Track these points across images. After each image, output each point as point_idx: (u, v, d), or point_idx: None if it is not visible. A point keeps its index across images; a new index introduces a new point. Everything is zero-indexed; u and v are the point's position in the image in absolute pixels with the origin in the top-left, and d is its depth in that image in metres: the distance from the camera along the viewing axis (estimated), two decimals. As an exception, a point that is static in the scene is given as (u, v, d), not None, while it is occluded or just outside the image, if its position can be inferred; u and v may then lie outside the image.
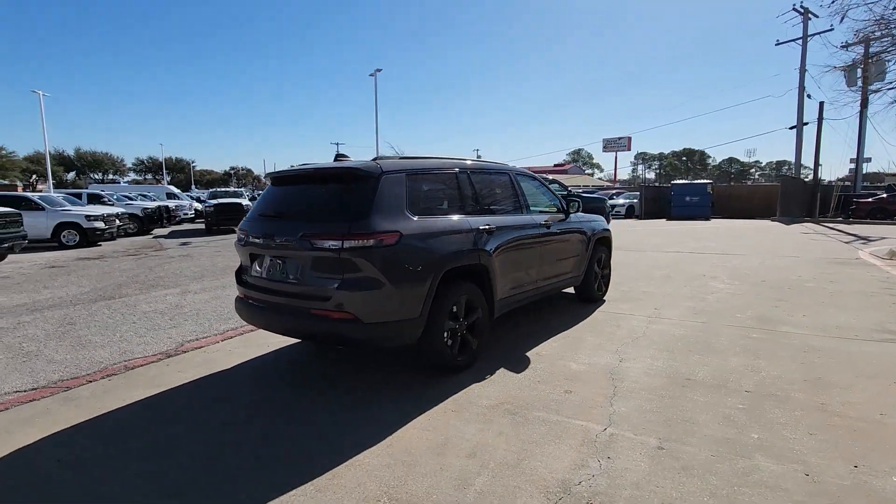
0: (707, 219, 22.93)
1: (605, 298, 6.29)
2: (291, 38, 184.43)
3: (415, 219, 3.53)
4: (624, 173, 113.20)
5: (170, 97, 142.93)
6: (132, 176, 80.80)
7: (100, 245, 14.89)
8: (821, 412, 3.08)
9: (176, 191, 30.68)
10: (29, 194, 16.57)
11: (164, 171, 75.28)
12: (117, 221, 16.37)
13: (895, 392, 3.35)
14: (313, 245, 3.28)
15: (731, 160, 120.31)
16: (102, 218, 15.23)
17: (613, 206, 25.78)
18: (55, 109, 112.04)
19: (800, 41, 26.24)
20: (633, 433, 2.86)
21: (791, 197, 22.74)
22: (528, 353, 4.27)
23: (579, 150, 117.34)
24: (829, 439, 2.75)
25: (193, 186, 69.26)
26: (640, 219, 24.84)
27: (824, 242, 12.58)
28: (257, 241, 3.68)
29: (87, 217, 14.79)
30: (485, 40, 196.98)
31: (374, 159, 3.70)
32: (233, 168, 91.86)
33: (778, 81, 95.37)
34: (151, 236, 18.07)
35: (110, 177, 76.42)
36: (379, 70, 27.89)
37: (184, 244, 14.77)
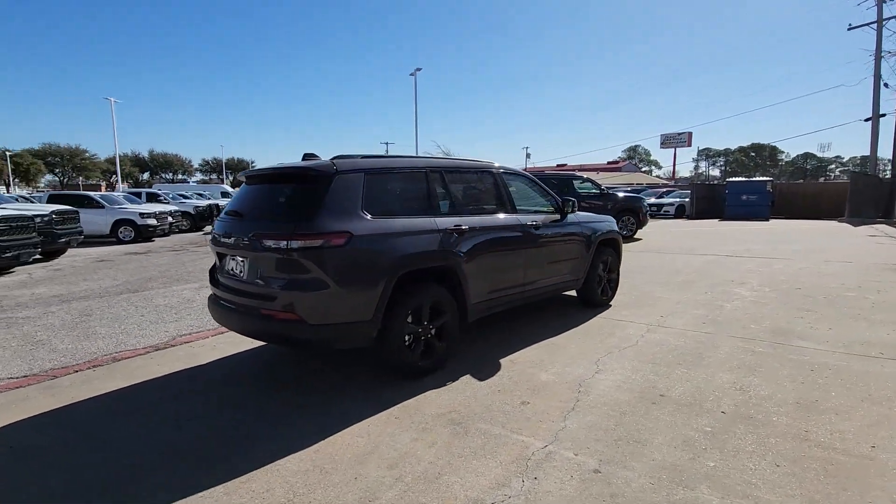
0: (765, 219, 21.36)
1: (611, 304, 5.96)
2: (344, 38, 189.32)
3: (370, 219, 3.45)
4: (685, 170, 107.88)
5: (230, 100, 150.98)
6: (199, 176, 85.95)
7: (153, 241, 15.89)
8: (799, 441, 2.73)
9: (231, 189, 32.31)
10: (91, 193, 17.94)
11: (225, 170, 79.68)
12: (169, 218, 17.43)
13: (900, 422, 2.92)
14: (262, 245, 3.29)
15: (806, 155, 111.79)
16: (155, 215, 16.27)
17: (660, 206, 24.60)
18: (130, 114, 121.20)
19: (874, 25, 23.83)
20: (573, 452, 2.66)
21: (862, 195, 20.72)
22: (502, 360, 4.10)
23: (635, 146, 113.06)
24: (796, 473, 2.43)
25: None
26: (691, 219, 23.51)
27: (891, 247, 11.35)
28: (222, 239, 3.74)
29: (141, 214, 15.85)
30: (537, 37, 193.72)
31: (334, 158, 3.65)
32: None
33: (851, 69, 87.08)
34: (202, 233, 19.09)
35: (179, 176, 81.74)
36: (419, 69, 28.13)
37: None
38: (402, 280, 3.56)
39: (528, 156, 74.80)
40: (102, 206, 15.73)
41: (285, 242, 3.17)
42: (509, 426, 2.97)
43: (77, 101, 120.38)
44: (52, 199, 15.96)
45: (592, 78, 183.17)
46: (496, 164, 4.74)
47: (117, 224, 15.58)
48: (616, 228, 6.11)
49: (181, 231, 18.97)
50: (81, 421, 3.18)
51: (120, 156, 71.47)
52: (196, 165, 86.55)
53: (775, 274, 7.73)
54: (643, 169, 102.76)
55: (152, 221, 16.02)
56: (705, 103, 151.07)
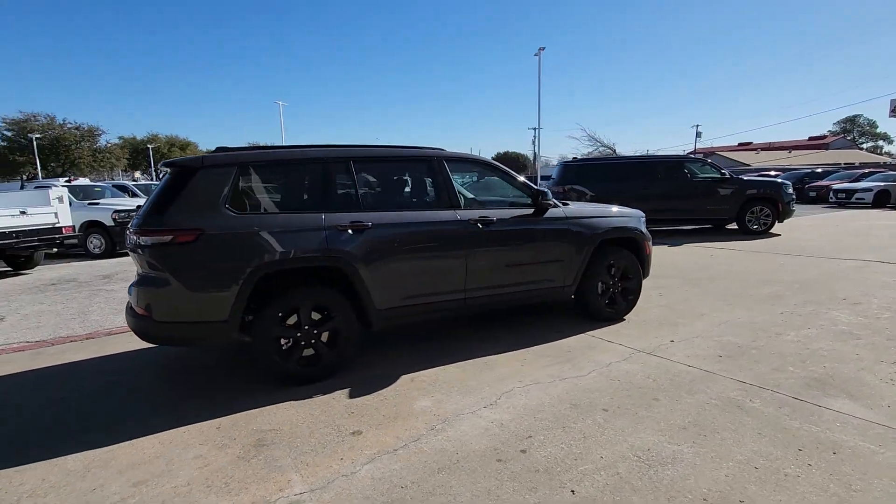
0: None
1: (624, 318, 4.82)
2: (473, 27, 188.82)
3: (233, 215, 3.28)
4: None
5: (378, 93, 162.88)
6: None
7: None
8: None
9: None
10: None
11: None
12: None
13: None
14: (130, 239, 3.35)
15: None
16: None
17: (850, 192, 19.47)
18: (297, 114, 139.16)
19: None
20: (321, 508, 2.16)
21: None
22: (404, 376, 3.59)
23: (854, 117, 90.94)
24: None
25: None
26: (895, 209, 18.06)
27: None
28: None
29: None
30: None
31: (216, 150, 3.54)
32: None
33: None
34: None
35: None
36: (542, 49, 26.33)
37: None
38: (269, 279, 3.33)
39: (698, 134, 65.80)
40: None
41: (136, 238, 3.18)
42: (303, 458, 2.55)
43: (254, 102, 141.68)
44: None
45: (787, 30, 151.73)
46: (436, 152, 4.12)
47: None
48: (636, 226, 4.88)
49: None
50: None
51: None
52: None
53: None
54: (864, 145, 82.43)
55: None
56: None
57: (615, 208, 5.03)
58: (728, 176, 11.11)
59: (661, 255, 8.43)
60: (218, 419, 3.01)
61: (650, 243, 5.01)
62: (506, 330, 4.58)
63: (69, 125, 38.15)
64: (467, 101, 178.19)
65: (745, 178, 11.66)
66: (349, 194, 3.69)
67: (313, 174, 3.66)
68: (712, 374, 3.45)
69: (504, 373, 3.59)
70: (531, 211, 4.32)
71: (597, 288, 4.68)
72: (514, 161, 65.13)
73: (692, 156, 14.61)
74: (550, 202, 4.33)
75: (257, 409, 3.12)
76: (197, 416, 3.05)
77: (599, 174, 11.45)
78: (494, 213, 4.18)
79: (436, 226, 3.87)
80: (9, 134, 36.95)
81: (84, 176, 32.55)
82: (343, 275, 3.53)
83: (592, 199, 10.89)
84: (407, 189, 4.08)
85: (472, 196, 4.51)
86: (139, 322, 3.26)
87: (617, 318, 4.81)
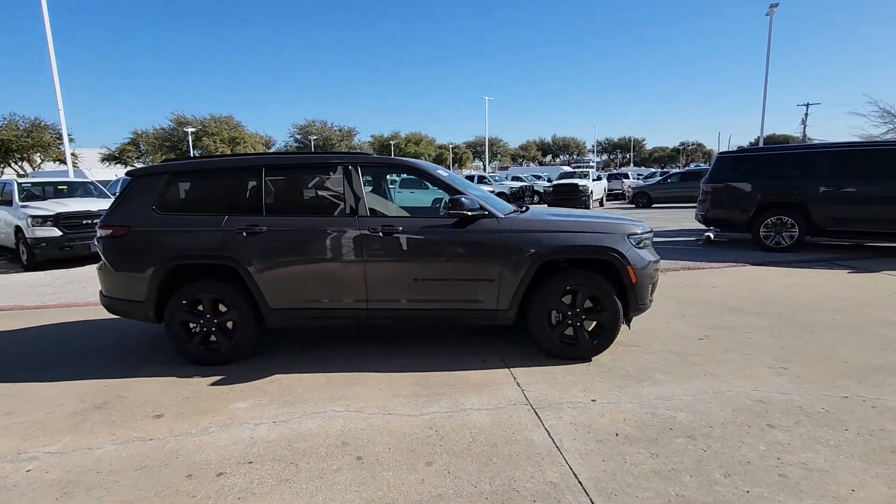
0: None
1: (591, 358, 3.86)
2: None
3: (157, 216, 3.93)
4: None
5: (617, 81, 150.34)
6: (590, 157, 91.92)
7: None
8: None
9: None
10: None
11: (616, 150, 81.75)
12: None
13: None
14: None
15: None
16: (460, 195, 19.51)
17: None
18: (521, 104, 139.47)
19: None
20: None
21: None
22: (275, 375, 3.72)
23: None
24: None
25: (631, 164, 72.33)
26: None
27: None
28: None
29: (449, 194, 19.36)
30: None
31: (164, 161, 4.23)
32: (682, 144, 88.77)
33: None
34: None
35: (575, 157, 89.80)
36: (774, 5, 20.11)
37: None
38: (176, 271, 3.89)
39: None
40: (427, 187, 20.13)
41: (97, 230, 4.13)
42: (95, 427, 3.00)
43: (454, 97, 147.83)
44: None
45: None
46: (350, 158, 4.00)
47: (434, 202, 19.65)
48: (610, 245, 3.77)
49: None
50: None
51: (525, 142, 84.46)
52: (589, 147, 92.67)
53: None
54: None
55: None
56: None
57: (593, 219, 4.00)
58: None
59: (809, 282, 6.14)
60: (108, 380, 3.73)
61: (641, 268, 3.82)
62: (418, 346, 4.22)
63: (335, 128, 48.00)
64: (714, 77, 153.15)
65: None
66: (255, 200, 3.96)
67: (228, 181, 4.06)
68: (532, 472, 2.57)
69: (354, 392, 3.39)
70: (451, 220, 3.83)
71: (547, 318, 3.85)
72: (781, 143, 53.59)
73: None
74: (468, 211, 3.74)
75: (140, 379, 3.73)
76: (95, 375, 3.81)
77: (769, 168, 8.76)
78: (405, 222, 3.88)
79: (332, 233, 3.83)
80: (299, 137, 48.65)
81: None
82: (236, 273, 3.85)
83: (761, 202, 8.49)
84: (312, 195, 4.12)
85: (390, 202, 4.24)
86: (99, 296, 4.25)
87: (578, 356, 3.88)
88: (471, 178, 25.22)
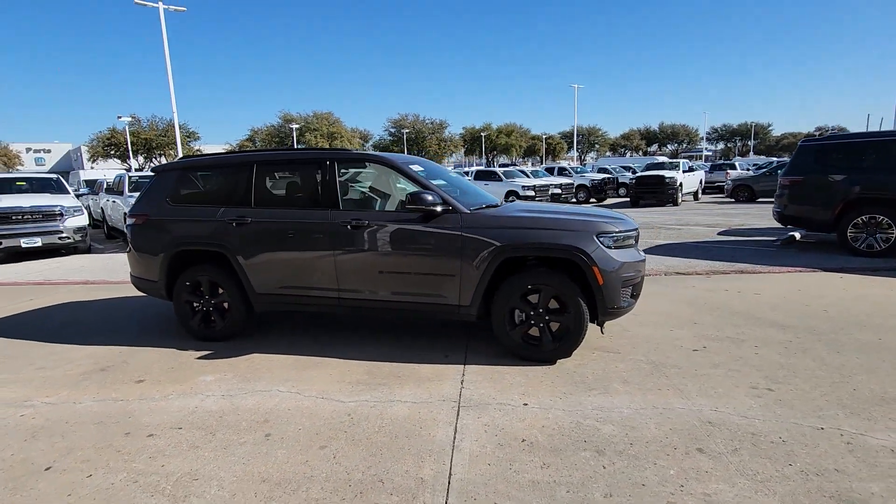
0: None
1: (555, 361, 3.72)
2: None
3: (169, 206, 4.48)
4: None
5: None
6: (703, 145, 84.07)
7: None
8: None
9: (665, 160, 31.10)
10: (495, 168, 22.69)
11: (734, 139, 73.92)
12: (552, 190, 19.86)
13: None
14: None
15: None
16: (534, 188, 19.10)
17: None
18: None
19: None
20: None
21: None
22: (253, 355, 4.07)
23: None
24: None
25: (751, 153, 64.87)
26: None
27: None
28: None
29: (523, 186, 19.04)
30: None
31: (183, 158, 4.77)
32: (819, 128, 77.49)
33: None
34: (586, 206, 20.49)
35: (684, 146, 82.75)
36: None
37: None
38: (180, 256, 4.41)
39: None
40: (501, 180, 19.94)
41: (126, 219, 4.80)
42: (87, 385, 3.56)
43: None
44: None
45: None
46: (328, 154, 4.18)
47: (507, 195, 19.39)
48: (572, 243, 3.55)
49: (576, 202, 20.91)
50: (51, 312, 6.05)
51: (627, 130, 79.60)
52: (702, 135, 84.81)
53: None
54: None
55: (530, 193, 18.86)
56: None
57: (562, 216, 3.80)
58: None
59: (880, 294, 5.24)
60: (123, 348, 4.34)
61: (610, 269, 3.56)
62: (392, 337, 4.38)
63: (427, 121, 49.22)
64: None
65: None
66: (246, 193, 4.33)
67: (227, 175, 4.47)
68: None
69: (307, 375, 3.62)
70: (415, 215, 3.87)
71: (510, 316, 3.76)
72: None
73: None
74: (424, 206, 3.73)
75: (147, 348, 4.29)
76: (117, 343, 4.45)
77: (862, 159, 7.45)
78: (372, 216, 4.01)
79: (306, 224, 4.08)
80: (393, 131, 50.68)
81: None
82: (226, 259, 4.27)
83: (851, 198, 7.32)
84: (295, 189, 4.36)
85: (368, 196, 4.36)
86: (130, 276, 4.92)
87: (540, 358, 3.74)
88: (551, 169, 24.51)
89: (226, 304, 4.41)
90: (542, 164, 49.91)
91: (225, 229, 4.24)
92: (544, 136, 63.37)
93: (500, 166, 33.73)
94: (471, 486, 2.30)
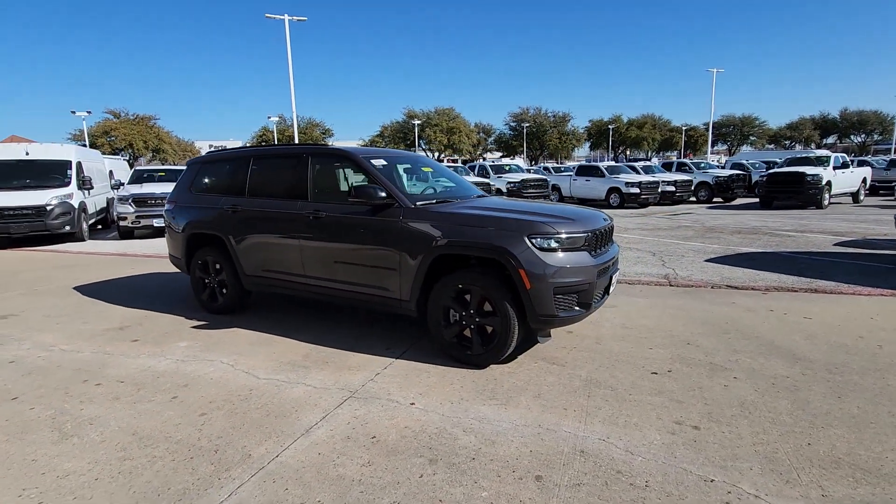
0: None
1: (485, 366, 3.57)
2: None
3: (191, 194, 5.20)
4: None
5: None
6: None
7: (643, 206, 17.38)
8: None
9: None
10: (598, 164, 21.13)
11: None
12: (662, 188, 18.09)
13: None
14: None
15: None
16: (639, 185, 17.61)
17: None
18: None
19: None
20: None
21: None
22: (236, 329, 4.55)
23: None
24: None
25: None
26: None
27: None
28: None
29: (627, 184, 17.67)
30: None
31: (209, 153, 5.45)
32: None
33: None
34: (708, 205, 18.25)
35: (875, 138, 68.44)
36: None
37: (674, 215, 14.84)
38: (195, 237, 5.10)
39: None
40: (604, 176, 18.73)
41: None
42: (95, 338, 4.34)
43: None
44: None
45: None
46: (304, 149, 4.46)
47: (609, 191, 18.18)
48: (498, 243, 3.33)
49: (676, 202, 18.84)
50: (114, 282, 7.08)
51: (797, 119, 68.03)
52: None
53: None
54: None
55: (635, 190, 17.43)
56: None
57: (499, 214, 3.59)
58: None
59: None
60: (149, 312, 5.16)
61: (540, 273, 3.27)
62: (356, 325, 4.55)
63: (549, 114, 47.84)
64: None
65: None
66: (242, 184, 4.82)
67: (231, 168, 5.02)
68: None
69: (254, 351, 3.97)
70: (366, 208, 3.96)
71: (444, 315, 3.68)
72: None
73: None
74: (367, 199, 3.80)
75: (165, 314, 5.04)
76: (149, 308, 5.28)
77: None
78: (330, 208, 4.20)
79: (282, 214, 4.44)
80: (513, 125, 50.27)
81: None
82: (222, 243, 4.83)
83: None
84: (277, 181, 4.68)
85: (335, 189, 4.52)
86: (168, 254, 5.79)
87: (470, 361, 3.60)
88: (668, 165, 22.27)
89: (225, 282, 4.98)
90: (680, 158, 45.05)
91: (223, 216, 4.79)
92: (684, 128, 57.25)
93: (627, 162, 31.46)
94: (283, 469, 2.38)
